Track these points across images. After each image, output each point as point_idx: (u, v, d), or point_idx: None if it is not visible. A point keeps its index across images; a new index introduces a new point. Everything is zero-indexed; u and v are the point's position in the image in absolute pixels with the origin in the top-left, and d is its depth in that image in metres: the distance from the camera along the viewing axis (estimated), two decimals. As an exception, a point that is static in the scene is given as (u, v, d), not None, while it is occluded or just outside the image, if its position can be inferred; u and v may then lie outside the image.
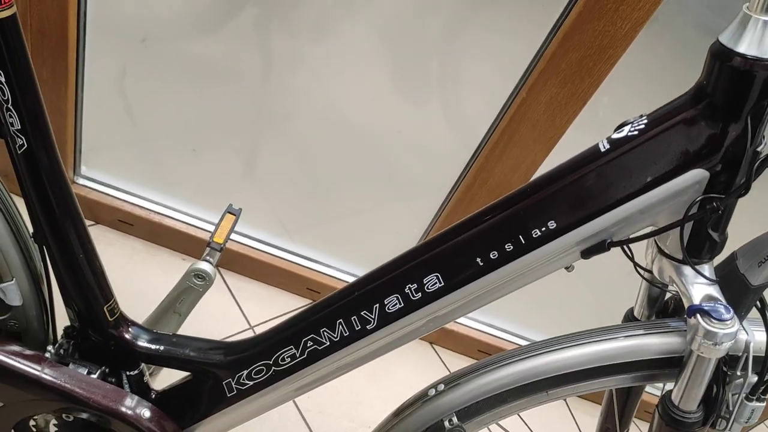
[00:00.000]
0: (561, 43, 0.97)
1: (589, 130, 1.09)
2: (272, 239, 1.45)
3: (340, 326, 0.67)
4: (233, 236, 1.44)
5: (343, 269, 1.47)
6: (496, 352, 1.50)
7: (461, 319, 1.50)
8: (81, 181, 1.37)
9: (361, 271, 1.48)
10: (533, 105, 1.04)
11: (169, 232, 1.39)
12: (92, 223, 1.40)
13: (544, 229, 0.57)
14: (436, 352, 1.51)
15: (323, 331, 0.68)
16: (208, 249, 0.83)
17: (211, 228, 1.41)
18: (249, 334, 1.37)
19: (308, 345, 0.69)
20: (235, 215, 0.87)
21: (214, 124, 1.29)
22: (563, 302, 1.47)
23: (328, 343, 0.68)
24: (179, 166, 1.35)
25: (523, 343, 1.51)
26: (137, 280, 1.33)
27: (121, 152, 1.35)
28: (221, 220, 0.86)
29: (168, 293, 0.84)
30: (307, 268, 1.46)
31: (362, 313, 0.66)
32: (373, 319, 0.66)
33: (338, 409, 1.32)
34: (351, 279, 1.45)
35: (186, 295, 0.83)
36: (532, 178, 0.58)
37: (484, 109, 1.15)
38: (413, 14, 1.09)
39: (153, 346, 0.75)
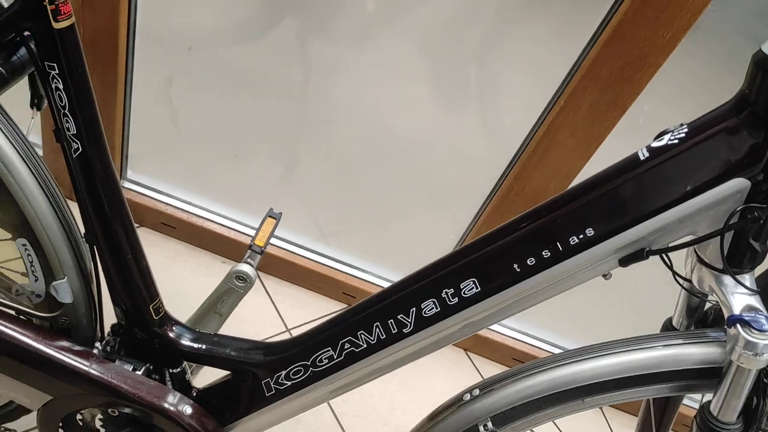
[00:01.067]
0: (601, 51, 0.97)
1: (628, 137, 1.08)
2: (309, 244, 1.47)
3: (377, 329, 0.68)
4: (273, 240, 1.47)
5: (379, 274, 1.49)
6: (530, 360, 1.50)
7: (496, 327, 1.50)
8: (127, 184, 1.41)
9: (397, 277, 1.48)
10: (572, 112, 1.04)
11: (210, 235, 1.42)
12: (136, 225, 1.43)
13: (581, 236, 0.57)
14: (470, 359, 1.51)
15: (360, 334, 0.70)
16: (249, 252, 0.85)
17: (250, 232, 1.45)
18: (286, 337, 1.40)
19: (345, 347, 0.71)
20: (275, 219, 0.89)
21: (255, 131, 1.32)
22: (600, 311, 1.46)
23: (365, 346, 0.69)
24: (221, 171, 1.39)
25: (559, 352, 1.50)
26: (178, 282, 1.36)
27: (165, 157, 1.39)
28: (262, 223, 0.88)
29: (210, 294, 0.86)
30: (343, 272, 1.47)
31: (399, 317, 0.67)
32: (410, 323, 0.67)
33: (372, 414, 1.33)
34: (386, 284, 1.46)
35: (227, 296, 0.85)
36: (571, 186, 0.58)
37: (522, 117, 1.15)
38: (452, 23, 1.11)
39: (195, 345, 0.77)
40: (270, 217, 0.89)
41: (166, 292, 1.32)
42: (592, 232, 0.57)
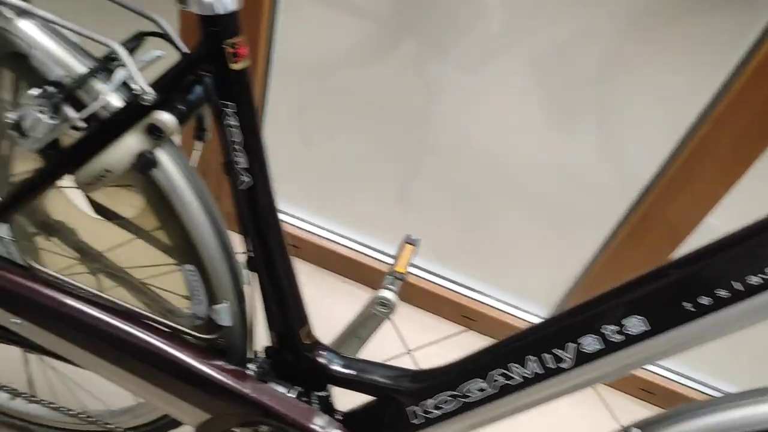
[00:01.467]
0: (752, 77, 0.93)
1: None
2: (429, 265, 1.48)
3: (533, 363, 0.68)
4: (392, 261, 1.49)
5: (499, 298, 1.47)
6: (659, 391, 1.44)
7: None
8: (254, 205, 1.47)
9: (519, 300, 1.48)
10: (718, 139, 1.00)
11: (333, 255, 1.45)
12: (263, 245, 1.49)
13: (763, 276, 0.55)
14: (594, 389, 1.47)
15: (513, 367, 0.69)
16: (390, 278, 0.86)
17: (372, 253, 1.47)
18: (406, 358, 1.41)
19: (497, 379, 0.70)
20: (414, 245, 0.90)
21: (376, 155, 1.34)
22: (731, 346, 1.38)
23: (519, 379, 0.69)
24: (344, 194, 1.42)
25: (692, 384, 1.44)
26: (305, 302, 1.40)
27: (292, 179, 1.44)
28: (401, 249, 0.89)
29: (353, 319, 0.88)
30: (463, 295, 1.47)
31: (556, 352, 0.66)
32: (569, 358, 0.65)
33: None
34: (508, 308, 1.45)
35: (369, 321, 0.86)
36: (749, 222, 0.56)
37: (654, 144, 1.11)
38: (574, 43, 1.09)
39: (344, 370, 0.79)
40: (408, 243, 0.90)
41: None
42: (779, 272, 0.54)
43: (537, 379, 0.68)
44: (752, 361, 1.35)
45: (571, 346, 0.65)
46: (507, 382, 0.70)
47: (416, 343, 1.43)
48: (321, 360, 0.79)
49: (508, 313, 1.47)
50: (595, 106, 1.15)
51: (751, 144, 0.98)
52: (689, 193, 1.08)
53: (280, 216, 1.46)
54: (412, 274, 1.48)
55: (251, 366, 0.81)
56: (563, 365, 0.66)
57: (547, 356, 0.67)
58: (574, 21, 1.06)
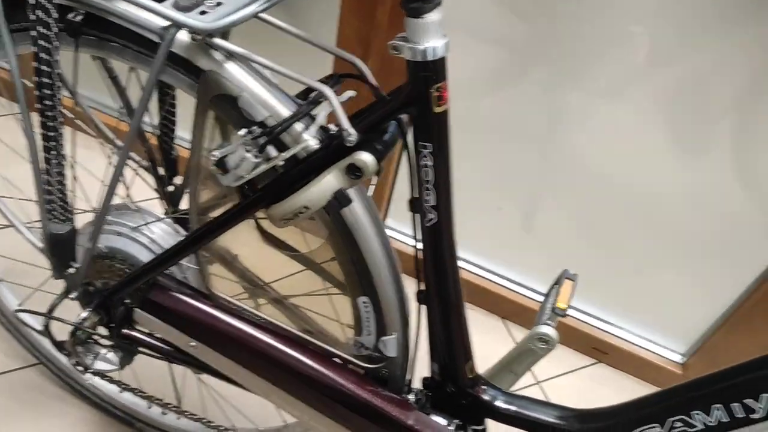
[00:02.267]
0: None
1: None
2: (558, 295, 1.45)
3: (718, 411, 0.65)
4: (520, 289, 1.47)
5: (633, 331, 1.43)
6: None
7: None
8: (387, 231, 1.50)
9: (654, 335, 1.43)
10: None
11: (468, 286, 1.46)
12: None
13: None
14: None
15: (695, 414, 0.67)
16: (551, 314, 0.85)
17: (504, 282, 1.46)
18: (536, 389, 1.38)
19: (676, 425, 0.68)
20: (573, 281, 0.89)
21: (510, 183, 1.34)
22: None
23: (701, 427, 0.66)
24: (484, 224, 1.42)
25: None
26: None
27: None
28: (560, 284, 0.88)
29: (509, 352, 0.87)
30: (594, 326, 1.44)
31: (746, 401, 0.63)
32: (761, 409, 0.63)
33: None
34: (642, 341, 1.41)
35: (526, 356, 0.86)
36: None
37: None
38: (713, 75, 1.06)
39: (507, 406, 0.79)
40: (568, 278, 0.89)
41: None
42: None
43: (720, 428, 0.65)
44: None
45: (765, 396, 0.63)
46: (687, 429, 0.67)
47: (546, 374, 1.41)
48: (484, 396, 0.79)
49: (641, 347, 1.42)
50: (735, 135, 1.11)
51: None
52: None
53: (410, 241, 1.48)
54: (538, 301, 1.45)
55: (411, 396, 0.83)
56: (753, 416, 0.63)
57: (737, 406, 0.64)
58: (710, 51, 1.04)
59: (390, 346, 0.78)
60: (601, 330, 1.43)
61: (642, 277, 1.36)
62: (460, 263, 1.45)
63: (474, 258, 1.48)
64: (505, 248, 1.44)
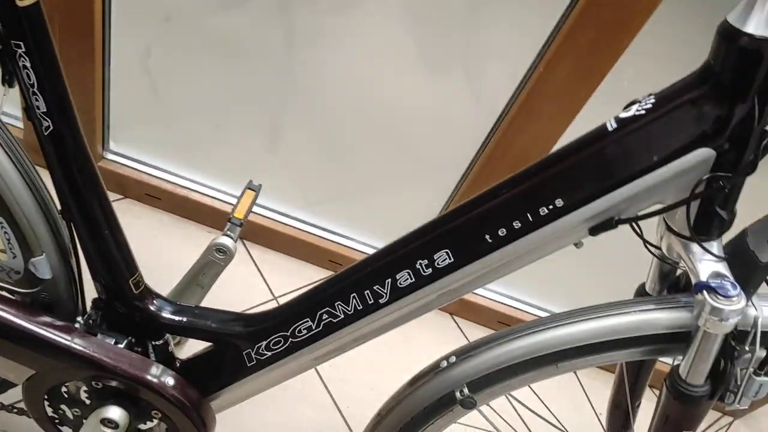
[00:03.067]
0: (578, 18, 0.96)
1: (614, 101, 1.07)
2: (295, 212, 1.47)
3: (354, 300, 0.69)
4: (258, 210, 1.47)
5: (365, 242, 1.50)
6: (516, 323, 1.52)
7: (481, 291, 1.52)
8: (110, 156, 1.41)
9: (383, 244, 1.49)
10: (551, 79, 1.04)
11: (196, 205, 1.42)
12: (120, 197, 1.44)
13: (551, 207, 0.58)
14: (456, 323, 1.53)
15: (338, 305, 0.70)
16: (228, 224, 0.85)
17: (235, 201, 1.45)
18: (273, 305, 1.41)
19: (324, 318, 0.72)
20: (255, 191, 0.89)
21: (237, 99, 1.31)
22: (588, 275, 1.47)
23: (342, 316, 0.70)
24: (204, 141, 1.38)
25: (543, 315, 1.52)
26: (165, 253, 1.37)
27: (148, 128, 1.38)
28: (242, 195, 0.88)
29: (191, 267, 0.87)
30: (330, 240, 1.48)
31: (375, 288, 0.68)
32: (386, 294, 0.68)
33: (360, 378, 1.35)
34: (372, 251, 1.47)
35: (208, 268, 0.86)
36: (541, 157, 0.59)
37: (504, 83, 1.14)
38: None
39: (176, 318, 0.78)
40: (249, 189, 0.89)
41: (153, 264, 1.32)
42: (562, 203, 0.58)
43: (357, 315, 0.70)
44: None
45: (389, 281, 0.67)
46: (331, 319, 0.71)
47: (283, 289, 1.44)
48: (152, 308, 0.78)
49: (375, 257, 1.49)
50: (454, 46, 1.16)
51: (581, 82, 1.03)
52: (531, 131, 1.12)
53: (138, 166, 1.41)
54: (279, 222, 1.47)
55: (80, 319, 0.79)
56: (381, 300, 0.68)
57: (367, 293, 0.69)
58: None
59: (41, 267, 0.73)
60: (337, 243, 1.48)
61: (373, 188, 1.41)
62: (192, 185, 1.42)
63: (208, 180, 1.44)
64: (241, 168, 1.42)
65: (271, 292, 1.43)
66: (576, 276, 1.47)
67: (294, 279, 1.46)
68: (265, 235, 1.47)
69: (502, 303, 1.52)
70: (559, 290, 1.52)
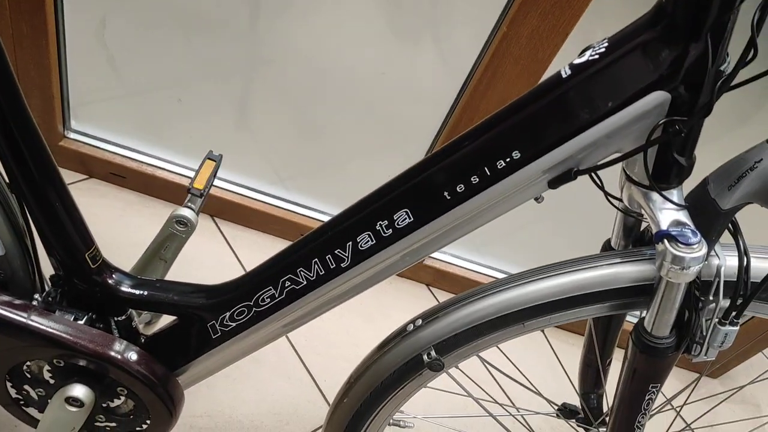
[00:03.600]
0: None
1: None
2: (266, 187, 1.45)
3: (316, 265, 0.68)
4: (228, 186, 1.45)
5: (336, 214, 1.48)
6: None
7: (456, 261, 1.51)
8: (71, 135, 1.37)
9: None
10: (515, 39, 1.02)
11: (162, 183, 1.39)
12: (85, 176, 1.41)
13: (508, 159, 0.57)
14: (432, 293, 1.53)
15: (300, 271, 0.69)
16: (189, 195, 0.83)
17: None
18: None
19: (286, 285, 0.70)
20: (215, 161, 0.87)
21: (200, 72, 1.28)
22: (561, 238, 1.47)
23: (305, 283, 0.69)
24: (168, 117, 1.35)
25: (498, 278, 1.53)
26: (132, 232, 1.35)
27: (109, 105, 1.35)
28: (201, 166, 0.86)
29: (152, 241, 0.85)
30: (301, 215, 1.46)
31: (336, 252, 0.67)
32: (347, 257, 0.66)
33: (336, 351, 1.35)
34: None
35: (170, 241, 0.84)
36: (495, 111, 0.58)
37: (469, 46, 1.13)
38: None
39: (137, 291, 0.76)
40: (209, 159, 0.87)
41: (121, 243, 1.30)
42: (519, 155, 0.57)
43: (320, 280, 0.68)
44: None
45: (350, 245, 0.66)
46: (294, 286, 0.70)
47: (255, 264, 1.42)
48: (111, 283, 0.76)
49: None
50: (418, 11, 1.14)
51: (544, 41, 1.01)
52: (496, 94, 1.11)
53: (101, 144, 1.38)
54: (249, 198, 1.45)
55: (38, 296, 0.77)
56: (342, 264, 0.67)
57: (329, 257, 0.67)
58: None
59: (-10, 243, 0.71)
60: (308, 217, 1.47)
61: (345, 161, 1.39)
62: (156, 162, 1.39)
63: (172, 157, 1.41)
64: (206, 143, 1.39)
65: (244, 268, 1.41)
66: (551, 242, 1.47)
67: (266, 254, 1.42)
68: (236, 211, 1.45)
69: (477, 272, 1.52)
70: (535, 257, 1.52)
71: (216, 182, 1.44)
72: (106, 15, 1.19)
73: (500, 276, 1.53)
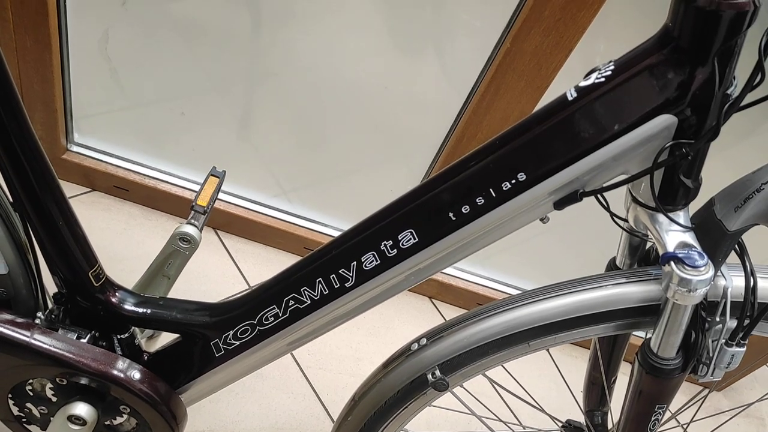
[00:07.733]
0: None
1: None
2: (269, 200, 1.45)
3: (320, 285, 0.68)
4: (231, 199, 1.45)
5: (340, 228, 1.48)
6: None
7: (459, 273, 1.51)
8: (74, 148, 1.37)
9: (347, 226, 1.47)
10: (518, 55, 1.02)
11: (165, 196, 1.39)
12: (88, 189, 1.41)
13: (513, 181, 0.57)
14: (435, 306, 1.52)
15: (304, 290, 0.69)
16: (192, 212, 0.83)
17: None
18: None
19: (290, 304, 0.70)
20: (218, 178, 0.87)
21: (202, 85, 1.28)
22: (566, 254, 1.47)
23: (309, 302, 0.69)
24: (171, 130, 1.35)
25: (503, 298, 1.52)
26: (136, 245, 1.35)
27: (112, 118, 1.35)
28: (205, 182, 0.86)
29: (155, 257, 0.84)
30: (304, 227, 1.46)
31: (340, 271, 0.67)
32: (351, 277, 0.66)
33: (339, 365, 1.34)
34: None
35: (173, 258, 0.84)
36: (502, 131, 0.57)
37: (472, 61, 1.13)
38: None
39: (140, 309, 0.76)
40: (212, 175, 0.87)
41: (123, 255, 1.30)
42: (524, 177, 0.56)
43: (324, 300, 0.68)
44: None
45: (354, 264, 0.66)
46: (298, 305, 0.70)
47: (259, 278, 1.42)
48: (114, 301, 0.76)
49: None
50: (422, 26, 1.14)
51: (547, 57, 1.01)
52: (500, 109, 1.11)
53: (104, 157, 1.38)
54: (251, 210, 1.45)
55: (40, 315, 0.77)
56: (347, 284, 0.67)
57: (333, 277, 0.67)
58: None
59: (-7, 262, 0.71)
60: (311, 230, 1.46)
61: (349, 174, 1.39)
62: (159, 176, 1.39)
63: (175, 170, 1.41)
64: (220, 157, 1.39)
65: (247, 282, 1.41)
66: (555, 255, 1.46)
67: (269, 268, 1.44)
68: (239, 225, 1.44)
69: (480, 285, 1.51)
70: (539, 270, 1.52)
71: (219, 195, 1.44)
72: (109, 28, 1.19)
73: (504, 289, 1.53)
